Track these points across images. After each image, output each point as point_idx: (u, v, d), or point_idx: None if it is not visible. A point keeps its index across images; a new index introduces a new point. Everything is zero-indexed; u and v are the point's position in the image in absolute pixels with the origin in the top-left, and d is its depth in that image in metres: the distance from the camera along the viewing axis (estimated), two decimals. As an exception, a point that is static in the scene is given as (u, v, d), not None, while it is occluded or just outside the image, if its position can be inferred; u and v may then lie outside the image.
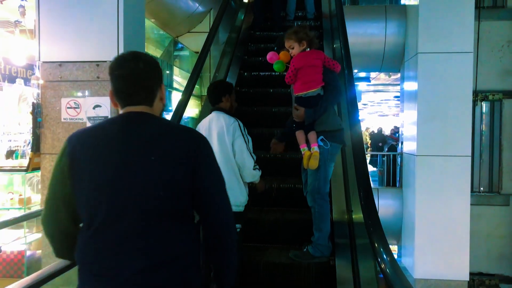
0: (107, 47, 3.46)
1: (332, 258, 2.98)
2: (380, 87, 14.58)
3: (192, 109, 5.91)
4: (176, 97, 6.36)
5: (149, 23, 5.78)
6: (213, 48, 5.09)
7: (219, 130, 2.79)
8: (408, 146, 7.38)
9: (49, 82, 3.55)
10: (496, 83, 7.72)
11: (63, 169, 1.37)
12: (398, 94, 10.12)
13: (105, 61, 3.48)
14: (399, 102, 10.03)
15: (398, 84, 8.92)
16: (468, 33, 6.57)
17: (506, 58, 7.70)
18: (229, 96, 2.96)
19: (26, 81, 5.53)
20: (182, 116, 3.78)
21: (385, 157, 8.61)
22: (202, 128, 2.92)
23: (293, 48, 3.00)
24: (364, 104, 21.17)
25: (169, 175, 1.34)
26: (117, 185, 1.32)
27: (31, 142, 3.64)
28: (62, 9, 3.52)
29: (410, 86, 7.30)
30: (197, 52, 7.11)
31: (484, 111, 7.86)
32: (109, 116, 3.48)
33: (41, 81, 3.55)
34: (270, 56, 3.15)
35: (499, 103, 7.76)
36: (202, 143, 1.44)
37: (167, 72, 7.45)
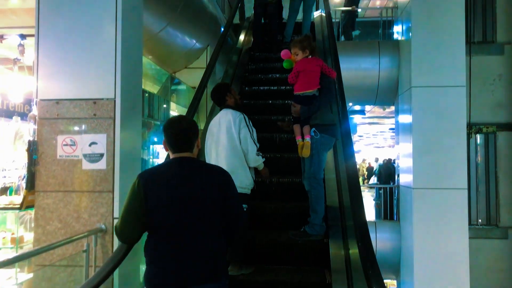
0: (104, 85, 3.49)
1: (326, 237, 3.41)
2: (375, 120, 14.71)
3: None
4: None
5: (146, 59, 5.87)
6: (211, 82, 5.17)
7: (227, 124, 3.28)
8: (405, 179, 7.38)
9: (45, 120, 3.55)
10: (489, 116, 7.82)
11: (139, 195, 2.03)
12: (393, 126, 10.19)
13: (102, 99, 3.50)
14: (394, 134, 10.09)
15: (393, 117, 9.00)
16: (460, 67, 6.70)
17: (498, 91, 7.83)
18: (230, 94, 3.44)
19: (23, 115, 5.54)
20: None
21: (382, 189, 8.58)
22: (213, 123, 3.40)
23: (297, 55, 3.53)
24: (360, 136, 21.30)
25: (209, 198, 2.05)
26: (177, 205, 2.02)
27: (25, 179, 3.61)
28: (61, 48, 3.57)
29: (405, 119, 7.37)
30: (194, 87, 7.18)
31: (478, 143, 7.91)
32: (105, 153, 3.48)
33: (37, 119, 3.56)
34: (284, 53, 3.65)
35: (493, 136, 7.83)
36: (229, 177, 2.18)
37: (164, 106, 7.51)
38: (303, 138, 3.49)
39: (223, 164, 3.18)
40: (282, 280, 3.18)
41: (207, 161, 3.41)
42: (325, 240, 3.40)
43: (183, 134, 2.13)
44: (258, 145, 3.29)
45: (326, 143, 3.49)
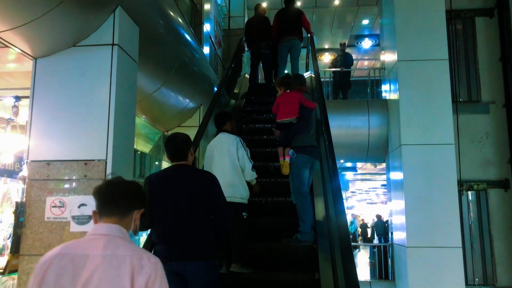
0: (96, 147, 3.50)
1: (315, 243, 3.86)
2: (367, 176, 14.76)
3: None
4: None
5: (139, 119, 5.93)
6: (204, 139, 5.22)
7: (226, 145, 3.78)
8: (398, 236, 7.28)
9: (35, 181, 3.52)
10: (479, 173, 7.87)
11: (145, 193, 2.56)
12: (385, 182, 10.21)
13: (93, 160, 3.50)
14: (386, 190, 10.07)
15: (385, 173, 9.04)
16: (448, 126, 6.85)
17: (486, 149, 7.94)
18: (231, 121, 4.00)
19: (13, 173, 5.48)
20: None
21: (376, 248, 8.44)
22: (213, 144, 3.86)
23: (277, 91, 4.38)
24: (353, 192, 21.25)
25: (197, 194, 2.63)
26: (172, 199, 2.62)
27: (11, 242, 3.51)
28: (54, 109, 3.61)
29: (396, 176, 7.40)
30: (186, 145, 7.20)
31: (470, 200, 7.91)
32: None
33: (27, 180, 3.52)
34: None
35: (484, 193, 7.84)
36: (214, 179, 2.75)
37: (156, 163, 7.50)
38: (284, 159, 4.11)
39: (223, 180, 3.54)
40: (277, 278, 3.69)
41: None
42: (314, 245, 3.84)
43: (177, 148, 2.73)
44: (252, 162, 3.82)
45: (303, 162, 4.01)
